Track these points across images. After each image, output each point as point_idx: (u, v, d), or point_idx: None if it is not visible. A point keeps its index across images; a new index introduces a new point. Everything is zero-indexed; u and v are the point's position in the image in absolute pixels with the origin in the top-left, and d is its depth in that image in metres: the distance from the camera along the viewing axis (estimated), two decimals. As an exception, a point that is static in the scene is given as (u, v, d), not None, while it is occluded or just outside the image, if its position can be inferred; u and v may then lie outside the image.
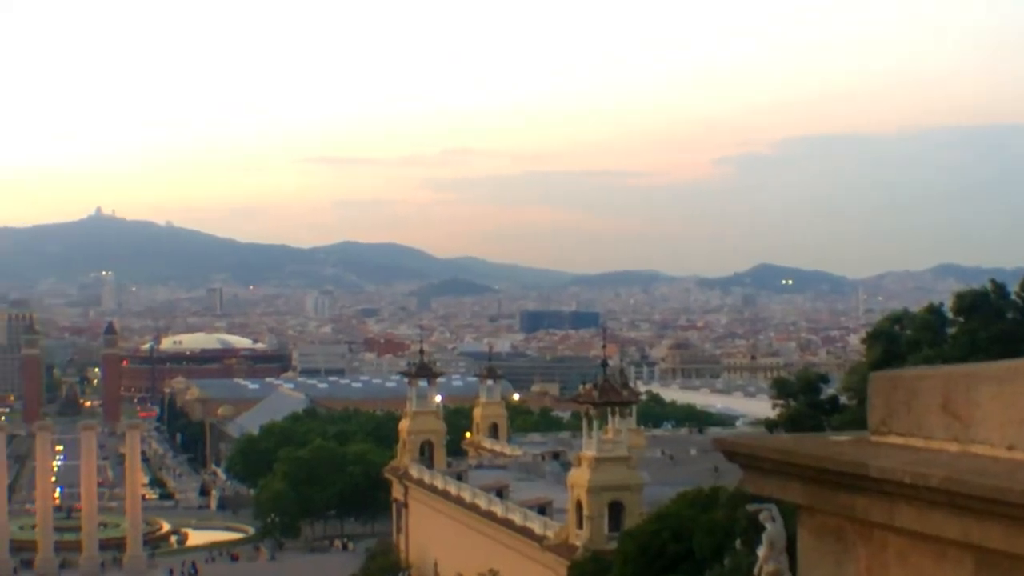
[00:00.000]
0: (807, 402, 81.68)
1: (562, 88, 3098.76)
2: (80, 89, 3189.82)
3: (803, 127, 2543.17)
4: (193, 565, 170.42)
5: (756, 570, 35.88)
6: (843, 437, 8.62)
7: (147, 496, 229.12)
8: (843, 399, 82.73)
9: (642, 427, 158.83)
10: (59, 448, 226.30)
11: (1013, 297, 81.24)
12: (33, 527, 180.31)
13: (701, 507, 72.66)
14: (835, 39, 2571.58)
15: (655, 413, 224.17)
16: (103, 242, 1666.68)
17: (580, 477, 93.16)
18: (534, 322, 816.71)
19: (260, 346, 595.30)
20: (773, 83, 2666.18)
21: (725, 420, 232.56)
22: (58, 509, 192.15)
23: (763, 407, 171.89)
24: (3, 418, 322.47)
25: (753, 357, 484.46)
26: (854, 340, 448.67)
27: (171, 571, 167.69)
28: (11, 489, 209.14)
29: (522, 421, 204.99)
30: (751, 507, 39.93)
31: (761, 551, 35.01)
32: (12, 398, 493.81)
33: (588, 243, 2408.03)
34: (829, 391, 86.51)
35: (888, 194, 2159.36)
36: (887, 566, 7.94)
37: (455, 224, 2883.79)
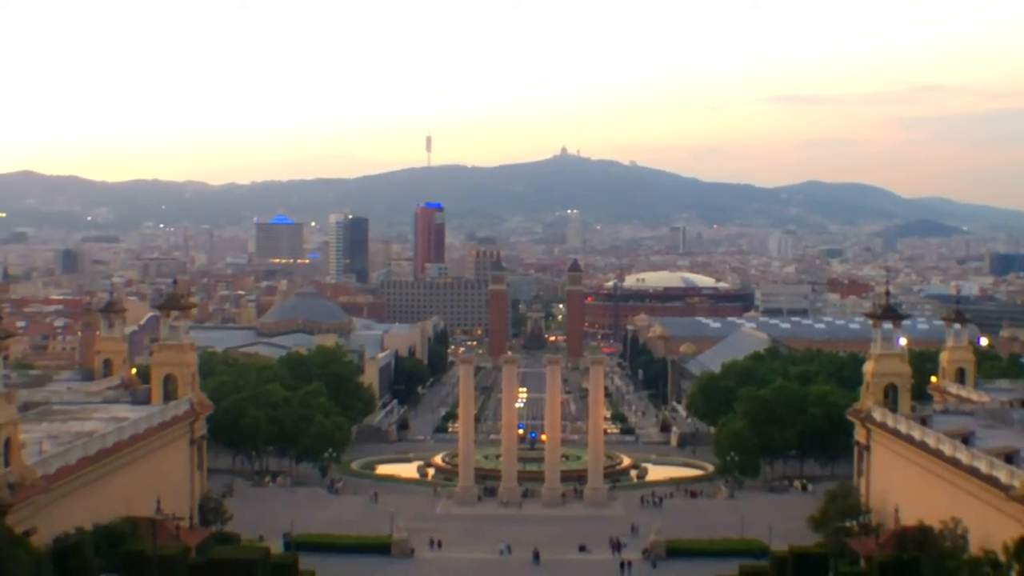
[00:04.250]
0: None
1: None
2: (547, 34, 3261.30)
3: None
4: (654, 495, 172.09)
5: None
6: None
7: (608, 430, 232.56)
8: None
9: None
10: (522, 391, 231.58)
11: None
12: (497, 457, 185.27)
13: None
14: None
15: None
16: (568, 181, 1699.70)
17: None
18: (1005, 265, 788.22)
19: (723, 285, 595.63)
20: None
21: None
22: (521, 440, 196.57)
23: None
24: (469, 351, 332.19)
25: None
26: None
27: (642, 499, 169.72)
28: (477, 419, 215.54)
29: (990, 367, 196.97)
30: None
31: None
32: (479, 331, 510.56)
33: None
34: None
35: None
36: None
37: (922, 163, 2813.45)
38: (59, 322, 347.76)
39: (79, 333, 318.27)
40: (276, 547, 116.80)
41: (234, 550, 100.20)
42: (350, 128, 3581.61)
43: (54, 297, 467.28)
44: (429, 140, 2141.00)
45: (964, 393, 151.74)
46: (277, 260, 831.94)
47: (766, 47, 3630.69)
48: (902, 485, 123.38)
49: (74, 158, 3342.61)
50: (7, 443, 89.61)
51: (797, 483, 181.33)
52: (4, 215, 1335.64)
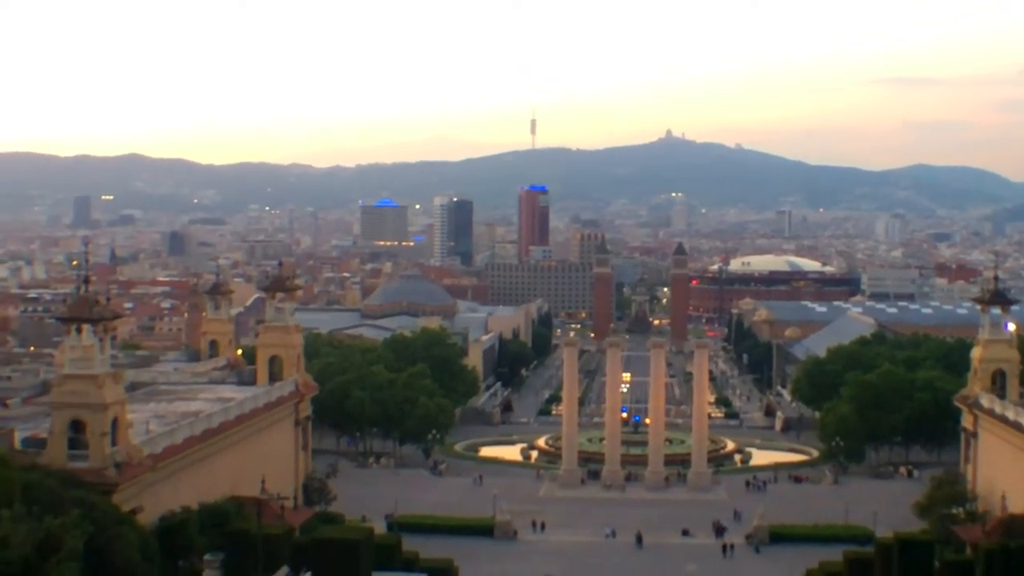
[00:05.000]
0: None
1: None
2: (653, 16, 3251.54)
3: None
4: (757, 479, 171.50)
5: None
6: None
7: (713, 414, 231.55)
8: None
9: None
10: (625, 375, 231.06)
11: None
12: (601, 440, 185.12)
13: None
14: None
15: None
16: (673, 164, 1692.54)
17: None
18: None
19: (829, 269, 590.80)
20: None
21: None
22: (625, 424, 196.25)
23: None
24: (574, 334, 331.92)
25: None
26: None
27: (746, 484, 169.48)
28: (580, 402, 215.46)
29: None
30: None
31: None
32: (583, 314, 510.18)
33: None
34: None
35: None
36: None
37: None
38: (166, 303, 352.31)
39: (185, 314, 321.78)
40: (379, 528, 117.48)
41: (338, 530, 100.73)
42: (455, 111, 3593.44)
43: (161, 279, 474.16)
44: (534, 123, 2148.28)
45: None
46: (382, 243, 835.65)
47: (872, 29, 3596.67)
48: (1009, 472, 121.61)
49: (181, 141, 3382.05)
50: (114, 423, 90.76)
51: (903, 469, 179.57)
52: (112, 198, 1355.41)
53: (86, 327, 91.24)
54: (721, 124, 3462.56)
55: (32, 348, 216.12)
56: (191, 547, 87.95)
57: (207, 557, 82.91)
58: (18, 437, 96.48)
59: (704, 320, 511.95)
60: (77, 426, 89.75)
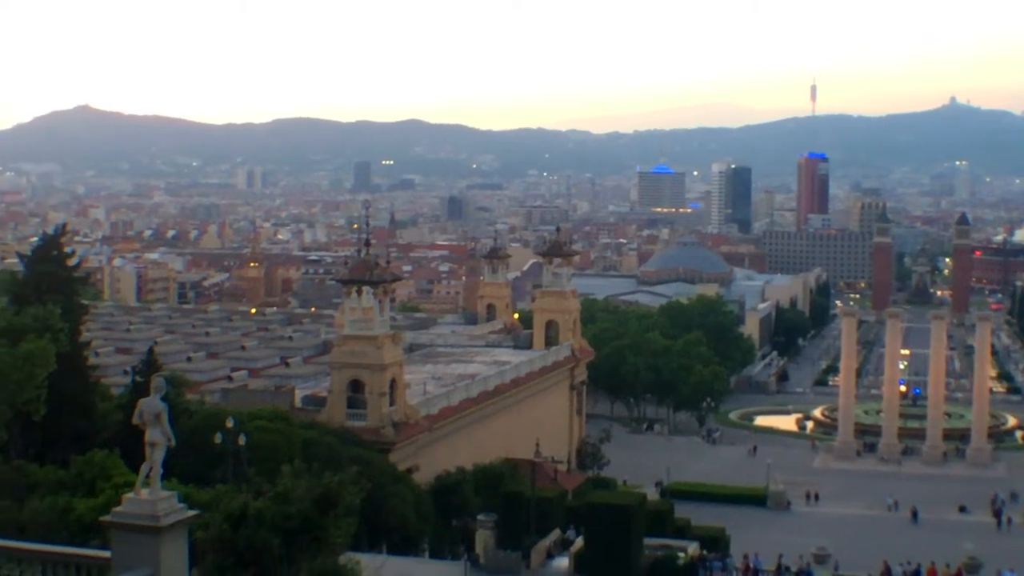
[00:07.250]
0: None
1: None
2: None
3: None
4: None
5: None
6: None
7: (994, 389, 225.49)
8: None
9: None
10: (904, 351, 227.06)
11: None
12: (878, 412, 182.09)
13: None
14: None
15: None
16: (957, 131, 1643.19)
17: None
18: None
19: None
20: None
21: None
22: (903, 396, 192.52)
23: None
24: (852, 304, 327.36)
25: None
26: None
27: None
28: (858, 374, 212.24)
29: None
30: None
31: None
32: (863, 284, 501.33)
33: None
34: None
35: None
36: None
37: None
38: (444, 267, 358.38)
39: (463, 278, 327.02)
40: (649, 494, 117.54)
41: (611, 495, 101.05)
42: (734, 77, 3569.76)
43: (439, 243, 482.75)
44: (814, 89, 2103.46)
45: None
46: (659, 209, 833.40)
47: None
48: None
49: (460, 107, 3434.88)
50: (392, 383, 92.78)
51: None
52: (392, 162, 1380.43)
53: (366, 289, 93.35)
54: (1009, 90, 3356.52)
55: (313, 309, 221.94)
56: (465, 507, 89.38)
57: (480, 517, 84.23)
58: (299, 395, 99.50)
59: (987, 292, 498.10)
60: (356, 386, 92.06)
